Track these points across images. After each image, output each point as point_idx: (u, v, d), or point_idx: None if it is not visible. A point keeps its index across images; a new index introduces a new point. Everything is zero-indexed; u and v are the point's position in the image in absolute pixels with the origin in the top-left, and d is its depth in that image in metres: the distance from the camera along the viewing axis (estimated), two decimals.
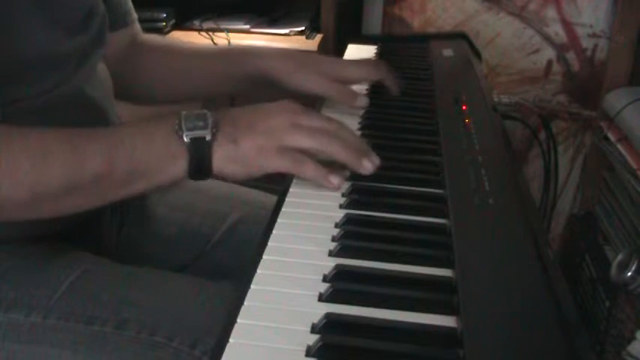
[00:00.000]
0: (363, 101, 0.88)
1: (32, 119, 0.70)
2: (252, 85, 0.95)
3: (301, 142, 0.66)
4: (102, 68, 0.85)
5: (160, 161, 0.64)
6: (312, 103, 0.94)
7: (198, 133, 0.64)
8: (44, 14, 0.70)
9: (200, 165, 0.64)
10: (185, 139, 0.63)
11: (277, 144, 0.66)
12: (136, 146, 0.64)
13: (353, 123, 0.88)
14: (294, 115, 0.68)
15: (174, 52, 0.97)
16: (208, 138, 0.64)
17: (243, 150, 0.65)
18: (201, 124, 0.64)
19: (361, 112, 0.93)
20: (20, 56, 0.68)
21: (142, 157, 0.64)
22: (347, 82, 0.91)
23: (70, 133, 0.64)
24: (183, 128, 0.64)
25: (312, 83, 0.88)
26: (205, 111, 0.65)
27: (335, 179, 0.68)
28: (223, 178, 0.68)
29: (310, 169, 0.67)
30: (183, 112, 0.65)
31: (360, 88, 1.00)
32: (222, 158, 0.65)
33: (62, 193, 0.62)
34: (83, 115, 0.77)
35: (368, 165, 0.69)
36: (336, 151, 0.67)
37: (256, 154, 0.65)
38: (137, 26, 0.96)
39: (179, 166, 0.64)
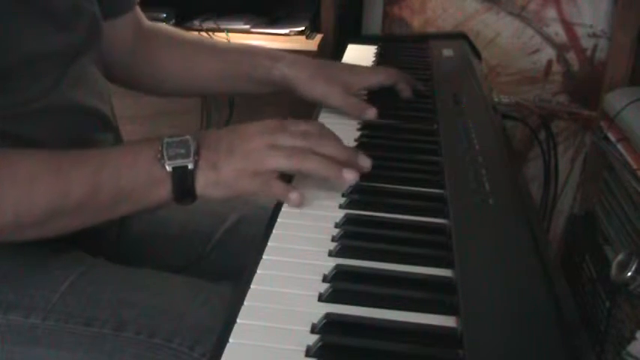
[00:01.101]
0: (373, 114, 0.89)
1: (23, 128, 0.70)
2: (269, 89, 0.96)
3: (277, 164, 0.67)
4: (95, 72, 0.84)
5: (143, 187, 0.66)
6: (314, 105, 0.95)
7: (180, 162, 0.65)
8: (25, 10, 0.68)
9: (184, 191, 0.66)
10: (167, 168, 0.65)
11: (253, 168, 0.66)
12: (120, 172, 0.65)
13: (353, 123, 0.88)
14: (271, 135, 0.68)
15: (185, 47, 0.97)
16: (190, 167, 0.65)
17: (223, 175, 0.66)
18: (183, 151, 0.65)
19: None
20: (3, 59, 0.67)
21: (126, 182, 0.65)
22: (361, 89, 0.94)
23: (55, 158, 0.65)
24: (165, 157, 0.65)
25: (326, 94, 0.91)
26: (187, 137, 0.66)
27: (297, 199, 0.67)
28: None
29: (277, 189, 0.67)
30: (165, 139, 0.65)
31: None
32: (204, 184, 0.66)
33: (46, 219, 0.64)
34: (76, 122, 0.77)
35: (349, 176, 0.68)
36: (313, 168, 0.67)
37: (235, 177, 0.66)
38: (139, 11, 0.96)
39: (163, 192, 0.66)
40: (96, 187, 0.64)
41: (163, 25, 1.00)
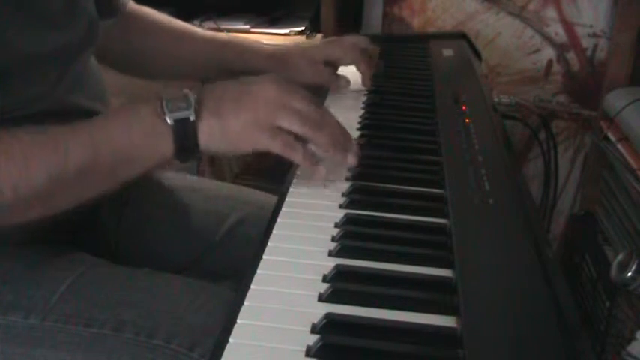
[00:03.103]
0: (344, 81, 0.91)
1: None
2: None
3: (292, 126, 0.65)
4: (93, 68, 0.84)
5: (144, 145, 0.64)
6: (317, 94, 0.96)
7: (181, 114, 0.63)
8: (22, 11, 0.68)
9: (186, 144, 0.64)
10: (169, 121, 0.63)
11: (268, 122, 0.65)
12: (117, 133, 0.63)
13: (353, 123, 0.88)
14: (283, 94, 0.66)
15: (163, 31, 0.97)
16: (192, 118, 0.63)
17: (229, 125, 0.64)
18: (183, 104, 0.63)
19: (361, 111, 0.93)
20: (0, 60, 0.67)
21: (125, 142, 0.63)
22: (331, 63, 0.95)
23: (49, 130, 0.63)
24: (166, 110, 0.63)
25: (299, 74, 0.92)
26: (187, 91, 0.64)
27: (323, 169, 0.68)
28: (213, 159, 0.69)
29: (301, 155, 0.66)
30: (164, 95, 0.64)
31: (360, 89, 1.00)
32: (207, 135, 0.64)
33: (48, 192, 0.62)
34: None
35: (352, 160, 0.70)
36: (323, 142, 0.67)
37: (244, 129, 0.64)
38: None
39: (165, 147, 0.64)
40: (94, 151, 0.62)
41: (151, 11, 0.99)
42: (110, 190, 0.65)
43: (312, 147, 0.68)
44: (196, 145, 0.64)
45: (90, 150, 0.62)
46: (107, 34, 0.90)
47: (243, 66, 0.95)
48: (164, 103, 0.63)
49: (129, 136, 0.63)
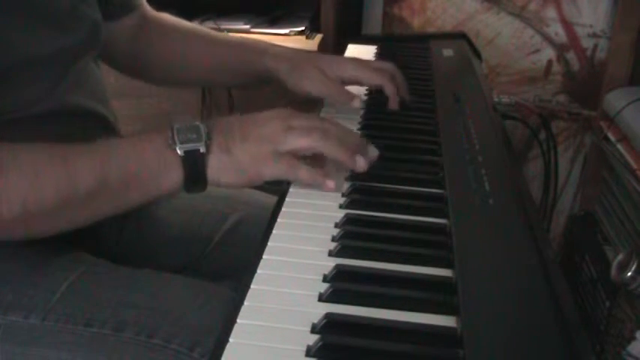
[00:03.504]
0: (358, 103, 0.86)
1: (21, 132, 0.70)
2: (261, 82, 0.96)
3: (295, 143, 0.66)
4: (94, 70, 0.84)
5: (153, 174, 0.64)
6: (314, 104, 0.95)
7: (192, 146, 0.64)
8: (24, 12, 0.68)
9: (195, 176, 0.65)
10: (179, 152, 0.63)
11: (271, 149, 0.66)
12: (128, 159, 0.64)
13: (353, 123, 0.88)
14: (286, 119, 0.68)
15: (181, 37, 0.97)
16: (202, 150, 0.64)
17: (237, 159, 0.65)
18: (194, 136, 0.64)
19: (361, 112, 0.93)
20: (1, 61, 0.66)
21: (135, 170, 0.64)
22: (344, 81, 0.90)
23: (61, 149, 0.64)
24: (177, 141, 0.64)
25: (307, 83, 0.88)
26: (198, 123, 0.65)
27: (331, 182, 0.68)
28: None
29: (305, 173, 0.67)
30: (176, 125, 0.65)
31: (360, 89, 1.00)
32: (216, 168, 0.65)
33: (55, 210, 0.62)
34: (76, 125, 0.77)
35: (361, 162, 0.69)
36: (329, 148, 0.67)
37: (251, 161, 0.65)
38: (144, 3, 0.96)
39: (174, 178, 0.65)
40: (104, 176, 0.63)
41: (166, 15, 0.99)
42: (115, 214, 0.66)
43: (326, 159, 0.69)
44: (205, 178, 0.65)
45: (100, 173, 0.63)
46: (120, 38, 0.90)
47: (262, 68, 0.93)
48: (175, 133, 0.64)
49: (139, 163, 0.64)
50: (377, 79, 0.90)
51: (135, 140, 0.66)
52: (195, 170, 0.64)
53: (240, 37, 1.02)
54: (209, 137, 0.65)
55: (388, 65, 0.93)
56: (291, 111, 0.69)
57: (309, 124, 0.68)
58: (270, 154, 0.66)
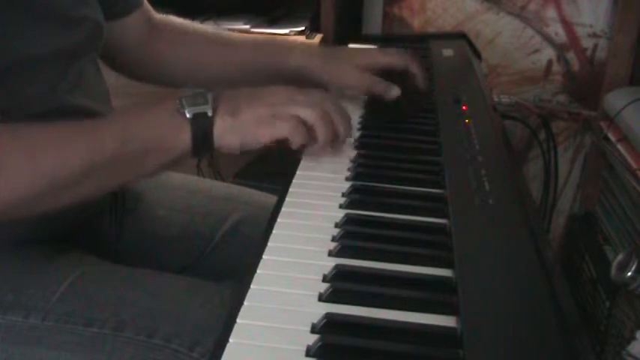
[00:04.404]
0: (396, 91, 0.89)
1: None
2: (281, 80, 0.95)
3: (299, 111, 0.70)
4: (95, 70, 0.84)
5: (166, 138, 0.67)
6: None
7: (200, 109, 0.67)
8: (23, 12, 0.68)
9: (202, 138, 0.68)
10: (188, 115, 0.67)
11: (276, 113, 0.69)
12: (144, 126, 0.68)
13: (353, 123, 0.88)
14: (291, 93, 0.72)
15: (197, 41, 0.97)
16: (210, 113, 0.67)
17: (241, 121, 0.68)
18: (201, 100, 0.68)
19: (361, 112, 0.93)
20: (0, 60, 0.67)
21: (150, 136, 0.67)
22: (376, 69, 0.92)
23: (82, 122, 0.67)
24: (185, 105, 0.67)
25: (347, 77, 0.91)
26: (203, 90, 0.69)
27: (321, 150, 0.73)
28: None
29: (303, 136, 0.70)
30: (183, 93, 0.68)
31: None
32: (222, 130, 0.68)
33: (82, 178, 0.65)
34: None
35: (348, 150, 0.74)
36: (321, 129, 0.71)
37: (255, 124, 0.69)
38: (148, 5, 0.96)
39: (185, 140, 0.67)
40: (125, 142, 0.66)
41: (174, 18, 0.99)
42: (130, 184, 0.70)
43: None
44: (211, 139, 0.68)
45: (120, 141, 0.65)
46: (128, 41, 0.90)
47: (290, 66, 0.94)
48: (183, 100, 0.68)
49: (153, 129, 0.67)
50: (404, 62, 0.93)
51: (146, 108, 0.70)
52: (202, 132, 0.67)
53: (256, 36, 1.02)
54: (215, 102, 0.68)
55: (403, 52, 0.96)
56: (296, 87, 0.73)
57: (311, 101, 0.72)
58: (272, 117, 0.69)
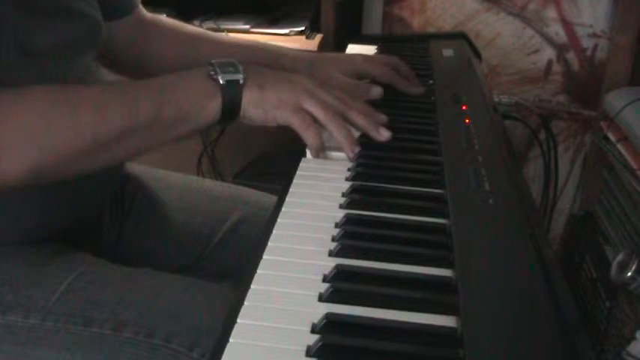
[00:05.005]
0: (377, 92, 0.91)
1: None
2: None
3: (316, 111, 0.73)
4: (95, 69, 0.84)
5: (199, 103, 0.70)
6: None
7: (232, 76, 0.71)
8: (23, 9, 0.68)
9: (231, 106, 0.71)
10: (221, 81, 0.70)
11: (296, 101, 0.73)
12: (178, 91, 0.70)
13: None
14: (316, 85, 0.75)
15: (185, 41, 0.97)
16: (241, 81, 0.71)
17: (267, 97, 0.72)
18: (232, 69, 0.71)
19: None
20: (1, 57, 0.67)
21: (185, 100, 0.70)
22: (358, 76, 0.95)
23: (120, 84, 0.70)
24: (218, 72, 0.70)
25: (331, 82, 0.91)
26: (233, 59, 0.72)
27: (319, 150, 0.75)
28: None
29: (312, 134, 0.73)
30: (215, 60, 0.72)
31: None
32: (248, 101, 0.71)
33: (120, 138, 0.66)
34: None
35: (385, 133, 0.77)
36: (333, 126, 0.74)
37: (277, 104, 0.72)
38: (140, 6, 0.96)
39: (215, 107, 0.70)
40: (160, 106, 0.68)
41: (164, 18, 0.99)
42: (162, 146, 0.72)
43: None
44: (238, 108, 0.71)
45: (156, 104, 0.68)
46: (119, 40, 0.90)
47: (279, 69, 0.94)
48: (216, 66, 0.71)
49: (187, 94, 0.70)
50: (386, 78, 0.96)
51: (180, 75, 0.72)
52: (231, 99, 0.71)
53: (248, 40, 1.03)
54: (245, 72, 0.72)
55: (392, 58, 0.99)
56: (324, 83, 0.78)
57: (333, 101, 0.75)
58: (294, 104, 0.73)
